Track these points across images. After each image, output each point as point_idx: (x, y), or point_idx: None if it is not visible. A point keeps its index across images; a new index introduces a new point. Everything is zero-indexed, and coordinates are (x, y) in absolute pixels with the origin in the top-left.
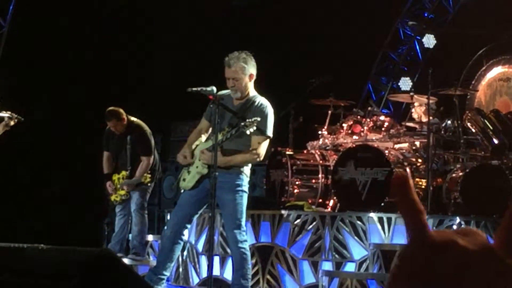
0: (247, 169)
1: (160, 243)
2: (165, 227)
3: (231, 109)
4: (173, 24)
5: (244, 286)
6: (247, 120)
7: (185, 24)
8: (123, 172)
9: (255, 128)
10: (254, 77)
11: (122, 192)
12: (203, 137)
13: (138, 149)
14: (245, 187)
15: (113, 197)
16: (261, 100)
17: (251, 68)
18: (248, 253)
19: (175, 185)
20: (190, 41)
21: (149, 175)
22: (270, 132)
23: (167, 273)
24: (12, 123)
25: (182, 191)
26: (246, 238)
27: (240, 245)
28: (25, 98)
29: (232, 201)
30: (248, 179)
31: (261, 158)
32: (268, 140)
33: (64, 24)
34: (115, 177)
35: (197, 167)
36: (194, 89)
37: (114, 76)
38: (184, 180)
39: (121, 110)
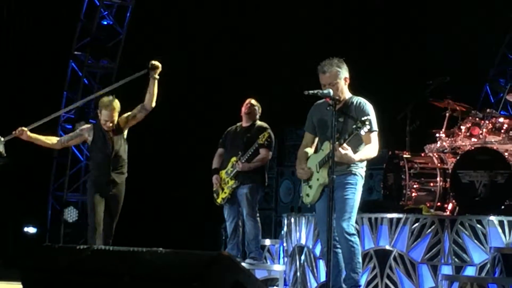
0: (363, 172)
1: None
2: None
3: (346, 112)
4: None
5: (354, 279)
6: (358, 121)
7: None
8: (233, 158)
9: (368, 126)
10: (348, 81)
11: (231, 183)
12: (310, 150)
13: (258, 139)
14: (360, 187)
15: (220, 197)
16: (358, 99)
17: (345, 72)
18: (358, 247)
19: (300, 202)
20: (304, 45)
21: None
22: (375, 126)
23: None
24: None
25: (308, 206)
26: (355, 232)
27: (348, 237)
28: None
29: (342, 197)
30: (362, 180)
31: (377, 153)
32: (376, 134)
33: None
34: (222, 173)
35: (317, 179)
36: (311, 92)
37: (230, 82)
38: (308, 195)
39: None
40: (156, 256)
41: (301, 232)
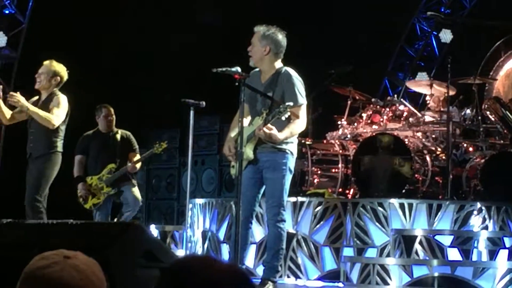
0: (293, 147)
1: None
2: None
3: (256, 89)
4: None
5: (274, 266)
6: (281, 106)
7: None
8: (110, 165)
9: (289, 113)
10: (271, 53)
11: (107, 189)
12: (245, 121)
13: (130, 146)
14: (291, 166)
15: (90, 203)
16: (286, 69)
17: (269, 42)
18: (285, 234)
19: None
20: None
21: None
22: (302, 99)
23: (245, 261)
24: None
25: (233, 177)
26: (285, 219)
27: (278, 224)
28: None
29: (275, 180)
30: (294, 158)
31: (305, 126)
32: (304, 107)
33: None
34: (94, 178)
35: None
36: (219, 69)
37: (130, 70)
38: (233, 167)
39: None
40: (66, 227)
41: (205, 217)
